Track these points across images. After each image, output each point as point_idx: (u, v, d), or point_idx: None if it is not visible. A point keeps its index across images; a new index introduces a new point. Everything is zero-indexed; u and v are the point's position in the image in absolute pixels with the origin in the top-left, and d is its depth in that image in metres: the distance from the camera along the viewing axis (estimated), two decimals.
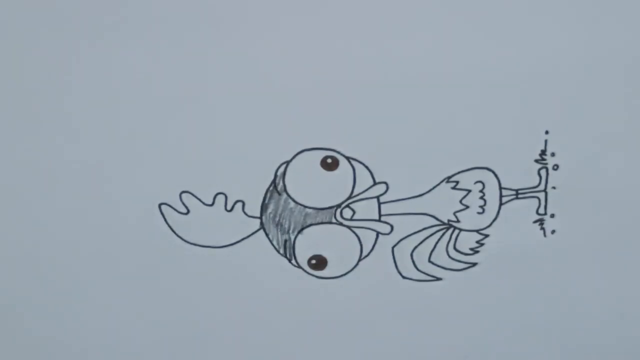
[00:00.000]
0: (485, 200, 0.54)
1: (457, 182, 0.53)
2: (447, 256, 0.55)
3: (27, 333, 0.56)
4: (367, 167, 0.53)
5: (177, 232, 0.54)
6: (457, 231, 0.54)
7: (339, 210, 0.54)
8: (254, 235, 0.54)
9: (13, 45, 0.50)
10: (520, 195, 0.54)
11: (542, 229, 0.55)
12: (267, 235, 0.54)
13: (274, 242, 0.54)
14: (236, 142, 0.52)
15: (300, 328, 0.56)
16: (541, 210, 0.54)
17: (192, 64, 0.50)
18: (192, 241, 0.54)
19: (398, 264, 0.55)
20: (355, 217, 0.54)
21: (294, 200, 0.53)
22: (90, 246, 0.54)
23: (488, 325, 0.57)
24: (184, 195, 0.53)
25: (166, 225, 0.53)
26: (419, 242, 0.55)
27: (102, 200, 0.53)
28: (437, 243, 0.55)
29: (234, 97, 0.51)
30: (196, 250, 0.54)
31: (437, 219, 0.54)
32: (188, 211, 0.53)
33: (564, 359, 0.58)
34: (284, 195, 0.53)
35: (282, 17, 0.50)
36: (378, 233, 0.54)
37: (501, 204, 0.54)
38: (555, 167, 0.53)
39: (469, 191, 0.53)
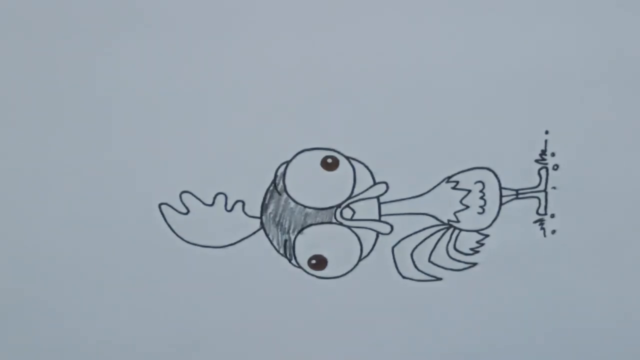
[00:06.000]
0: (485, 200, 0.54)
1: (457, 182, 0.53)
2: (447, 256, 0.55)
3: (27, 332, 0.56)
4: (367, 167, 0.53)
5: (177, 232, 0.54)
6: (457, 231, 0.54)
7: (339, 210, 0.54)
8: (254, 235, 0.54)
9: (15, 45, 0.50)
10: (520, 195, 0.54)
11: (542, 229, 0.55)
12: (267, 235, 0.54)
13: (274, 242, 0.54)
14: (236, 142, 0.52)
15: (300, 328, 0.56)
16: (541, 210, 0.54)
17: (192, 65, 0.50)
18: (192, 241, 0.54)
19: (398, 264, 0.55)
20: (355, 217, 0.54)
21: (294, 200, 0.53)
22: (91, 246, 0.54)
23: (488, 325, 0.57)
24: (184, 195, 0.53)
25: (166, 225, 0.53)
26: (419, 242, 0.55)
27: (102, 200, 0.53)
28: (437, 243, 0.55)
29: (234, 98, 0.51)
30: (196, 250, 0.54)
31: (437, 219, 0.54)
32: (188, 211, 0.53)
33: (564, 358, 0.58)
34: (284, 195, 0.53)
35: (282, 18, 0.50)
36: (378, 233, 0.54)
37: (501, 204, 0.54)
38: (555, 167, 0.53)
39: (469, 191, 0.53)
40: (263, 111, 0.51)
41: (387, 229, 0.54)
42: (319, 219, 0.54)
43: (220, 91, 0.51)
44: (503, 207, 0.54)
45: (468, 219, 0.54)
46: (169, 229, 0.53)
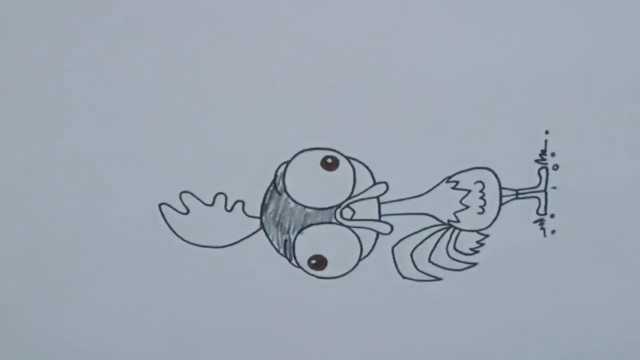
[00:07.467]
0: (485, 200, 0.54)
1: (457, 182, 0.53)
2: (447, 256, 0.55)
3: (27, 331, 0.56)
4: (367, 167, 0.53)
5: (177, 232, 0.54)
6: (457, 231, 0.54)
7: (339, 210, 0.54)
8: (254, 235, 0.54)
9: (14, 44, 0.50)
10: (520, 195, 0.54)
11: (542, 229, 0.55)
12: (267, 235, 0.54)
13: (274, 242, 0.54)
14: (236, 142, 0.52)
15: (300, 328, 0.56)
16: (541, 210, 0.54)
17: (192, 64, 0.50)
18: (192, 241, 0.54)
19: (398, 264, 0.55)
20: (355, 217, 0.54)
21: (294, 200, 0.53)
22: (91, 246, 0.54)
23: (488, 325, 0.57)
24: (184, 195, 0.53)
25: (166, 225, 0.53)
26: (419, 242, 0.55)
27: (102, 200, 0.53)
28: (437, 243, 0.55)
29: (234, 97, 0.51)
30: (196, 250, 0.54)
31: (437, 219, 0.54)
32: (188, 211, 0.53)
33: (564, 358, 0.58)
34: (284, 195, 0.53)
35: (282, 17, 0.50)
36: (378, 233, 0.54)
37: (501, 204, 0.54)
38: (555, 167, 0.53)
39: (469, 191, 0.53)
40: (263, 111, 0.51)
41: (387, 229, 0.54)
42: (319, 219, 0.54)
43: (220, 91, 0.51)
44: (503, 207, 0.54)
45: (468, 219, 0.54)
46: (169, 228, 0.53)
